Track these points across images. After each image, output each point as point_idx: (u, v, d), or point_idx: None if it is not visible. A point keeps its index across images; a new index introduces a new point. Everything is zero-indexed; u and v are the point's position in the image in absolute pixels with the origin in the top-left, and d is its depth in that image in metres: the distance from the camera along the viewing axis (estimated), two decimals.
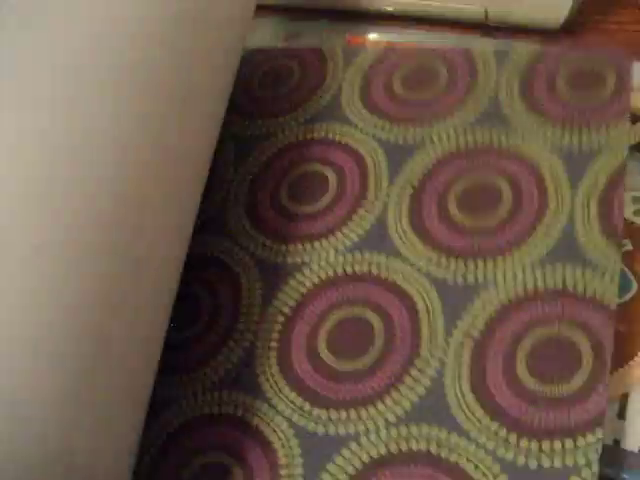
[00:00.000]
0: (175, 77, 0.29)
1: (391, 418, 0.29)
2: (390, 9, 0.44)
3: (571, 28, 0.41)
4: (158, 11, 0.29)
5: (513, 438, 0.28)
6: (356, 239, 0.34)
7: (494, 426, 0.28)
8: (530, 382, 0.29)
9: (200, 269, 0.35)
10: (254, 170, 0.37)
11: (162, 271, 0.28)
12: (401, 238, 0.33)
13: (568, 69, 0.35)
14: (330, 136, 0.37)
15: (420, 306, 0.31)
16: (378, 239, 0.33)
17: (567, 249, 0.31)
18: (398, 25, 0.44)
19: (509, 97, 0.35)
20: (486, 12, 0.41)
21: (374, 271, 0.33)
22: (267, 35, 0.45)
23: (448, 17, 0.43)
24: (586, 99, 0.34)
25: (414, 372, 0.30)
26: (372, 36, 0.43)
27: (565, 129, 0.34)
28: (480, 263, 0.31)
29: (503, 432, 0.28)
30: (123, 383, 0.25)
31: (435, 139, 0.35)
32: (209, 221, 0.36)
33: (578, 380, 0.28)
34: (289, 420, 0.30)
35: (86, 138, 0.25)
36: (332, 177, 0.36)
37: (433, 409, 0.29)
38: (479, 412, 0.29)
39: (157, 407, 0.32)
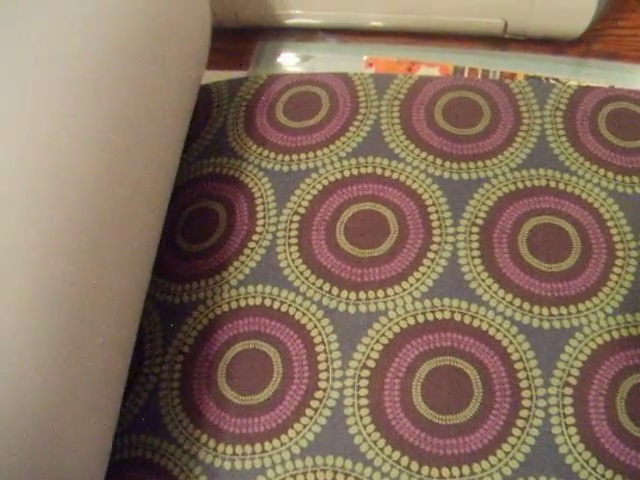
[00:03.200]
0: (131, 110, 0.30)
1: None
2: (406, 25, 0.43)
3: (583, 35, 0.42)
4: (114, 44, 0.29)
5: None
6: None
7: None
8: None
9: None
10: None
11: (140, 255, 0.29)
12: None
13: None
14: (379, 172, 0.37)
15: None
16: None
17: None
18: (413, 42, 0.44)
19: (555, 136, 0.37)
20: (505, 25, 0.41)
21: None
22: (277, 59, 0.44)
23: (467, 32, 0.43)
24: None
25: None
26: (393, 56, 0.43)
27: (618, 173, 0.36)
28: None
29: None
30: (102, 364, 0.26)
31: (490, 176, 0.36)
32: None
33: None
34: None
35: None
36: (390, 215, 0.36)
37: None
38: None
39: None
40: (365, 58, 0.42)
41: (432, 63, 0.42)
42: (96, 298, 0.26)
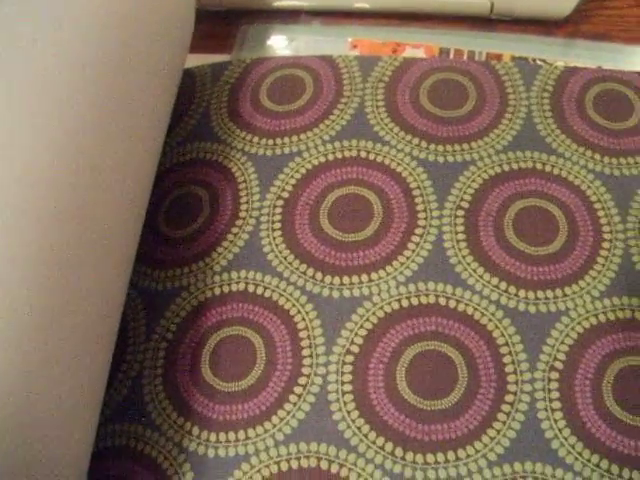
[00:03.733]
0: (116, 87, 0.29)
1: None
2: (391, 6, 0.43)
3: (570, 16, 0.41)
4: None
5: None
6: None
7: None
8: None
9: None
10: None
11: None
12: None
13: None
14: (363, 155, 0.36)
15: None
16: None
17: (629, 281, 0.32)
18: (398, 23, 0.43)
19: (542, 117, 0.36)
20: (492, 5, 0.41)
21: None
22: (261, 42, 0.43)
23: (452, 12, 0.42)
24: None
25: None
26: (377, 37, 0.42)
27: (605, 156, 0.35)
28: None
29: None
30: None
31: (476, 158, 0.36)
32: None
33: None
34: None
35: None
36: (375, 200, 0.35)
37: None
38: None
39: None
40: (349, 40, 0.42)
41: (417, 44, 0.41)
42: (78, 285, 0.26)
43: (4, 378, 0.22)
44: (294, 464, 0.30)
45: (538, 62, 0.40)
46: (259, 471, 0.30)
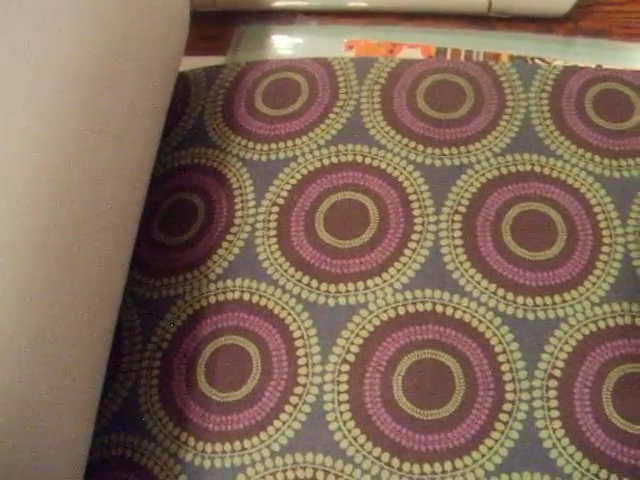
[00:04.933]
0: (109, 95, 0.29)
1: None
2: (388, 5, 0.42)
3: (570, 13, 0.41)
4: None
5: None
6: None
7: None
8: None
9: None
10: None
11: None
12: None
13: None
14: (359, 159, 0.36)
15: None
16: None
17: (629, 286, 0.32)
18: (395, 22, 0.42)
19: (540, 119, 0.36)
20: (490, 3, 0.40)
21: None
22: (257, 43, 0.43)
23: (450, 11, 0.42)
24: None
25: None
26: (374, 37, 0.41)
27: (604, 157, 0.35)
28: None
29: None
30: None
31: (474, 161, 0.35)
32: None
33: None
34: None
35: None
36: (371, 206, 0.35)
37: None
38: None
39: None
40: (345, 40, 0.41)
41: (414, 45, 0.41)
42: (73, 293, 0.26)
43: None
44: (290, 475, 0.30)
45: (537, 61, 0.39)
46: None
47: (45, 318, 0.24)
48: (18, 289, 0.23)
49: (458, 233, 0.33)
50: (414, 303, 0.32)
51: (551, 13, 0.41)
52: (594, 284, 0.32)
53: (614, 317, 0.31)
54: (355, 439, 0.30)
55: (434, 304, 0.32)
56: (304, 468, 0.30)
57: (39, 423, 0.24)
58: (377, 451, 0.29)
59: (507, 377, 0.30)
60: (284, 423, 0.30)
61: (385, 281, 0.32)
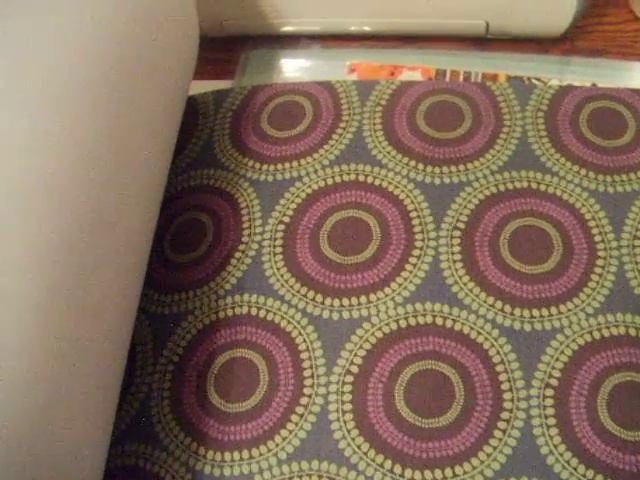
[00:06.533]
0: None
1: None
2: (389, 29, 0.43)
3: (566, 33, 0.42)
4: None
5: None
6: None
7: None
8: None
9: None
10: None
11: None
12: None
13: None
14: (361, 178, 0.37)
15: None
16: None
17: (623, 298, 0.33)
18: (395, 45, 0.44)
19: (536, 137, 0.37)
20: (487, 25, 0.42)
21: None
22: (263, 67, 0.44)
23: (449, 33, 0.43)
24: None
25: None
26: (375, 60, 0.43)
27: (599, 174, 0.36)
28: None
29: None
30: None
31: (472, 179, 0.36)
32: None
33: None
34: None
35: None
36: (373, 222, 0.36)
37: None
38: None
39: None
40: (348, 63, 0.43)
41: (414, 67, 0.42)
42: (89, 310, 0.27)
43: (20, 399, 0.23)
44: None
45: (533, 81, 0.41)
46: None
47: (63, 334, 0.25)
48: (42, 307, 0.24)
49: (457, 248, 0.34)
50: (415, 316, 0.33)
51: (548, 34, 0.42)
52: (589, 296, 0.33)
53: (608, 327, 0.32)
54: (359, 447, 0.31)
55: (434, 317, 0.33)
56: (310, 475, 0.31)
57: (57, 434, 0.25)
58: (380, 458, 0.30)
59: (505, 386, 0.31)
60: (290, 432, 0.32)
61: (387, 295, 0.34)
